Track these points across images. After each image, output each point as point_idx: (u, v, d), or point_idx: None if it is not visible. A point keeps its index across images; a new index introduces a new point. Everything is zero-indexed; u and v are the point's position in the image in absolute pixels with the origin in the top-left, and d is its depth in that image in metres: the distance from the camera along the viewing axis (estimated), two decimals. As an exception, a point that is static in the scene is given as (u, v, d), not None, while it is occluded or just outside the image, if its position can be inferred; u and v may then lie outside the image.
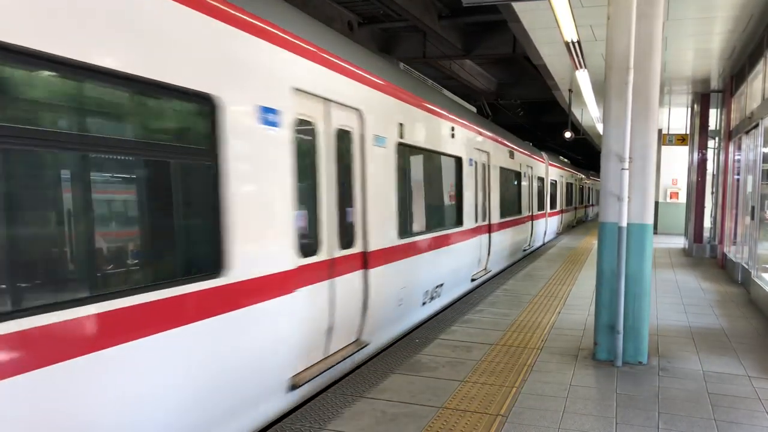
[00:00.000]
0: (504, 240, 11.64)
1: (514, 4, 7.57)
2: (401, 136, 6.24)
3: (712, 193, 13.87)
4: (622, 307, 5.28)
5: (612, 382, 4.85)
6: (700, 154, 14.13)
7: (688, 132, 16.19)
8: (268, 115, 4.01)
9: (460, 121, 8.56)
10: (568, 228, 23.58)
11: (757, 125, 8.76)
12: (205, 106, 3.44)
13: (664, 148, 17.93)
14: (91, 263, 2.84)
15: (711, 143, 14.17)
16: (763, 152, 8.50)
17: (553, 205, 18.61)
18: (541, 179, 16.15)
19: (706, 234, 14.14)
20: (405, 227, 6.42)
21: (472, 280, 9.42)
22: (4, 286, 2.44)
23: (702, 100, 13.77)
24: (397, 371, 5.06)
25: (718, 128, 13.60)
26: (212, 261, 3.50)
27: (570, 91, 13.69)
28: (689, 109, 15.93)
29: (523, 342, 6.03)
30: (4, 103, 2.43)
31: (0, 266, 2.42)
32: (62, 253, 2.74)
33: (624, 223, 5.23)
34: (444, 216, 8.06)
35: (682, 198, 18.98)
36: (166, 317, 3.12)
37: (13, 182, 2.49)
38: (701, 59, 10.39)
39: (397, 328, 6.35)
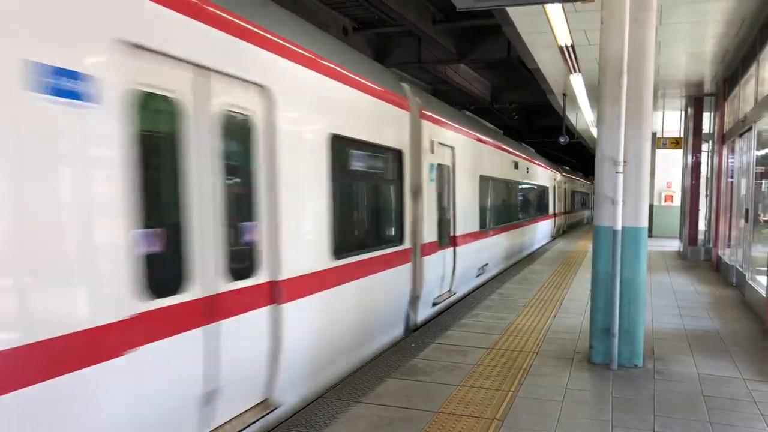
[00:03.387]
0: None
1: (509, 9, 7.59)
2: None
3: (707, 196, 13.93)
4: (617, 310, 5.29)
5: (608, 385, 4.86)
6: (694, 157, 14.20)
7: (682, 135, 16.27)
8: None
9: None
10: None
11: (750, 128, 8.81)
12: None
13: (658, 151, 17.99)
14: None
15: (705, 146, 14.24)
16: (757, 155, 8.54)
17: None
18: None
19: (701, 237, 14.19)
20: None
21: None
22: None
23: (695, 103, 13.85)
24: (393, 376, 5.06)
25: (711, 131, 13.67)
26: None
27: (564, 95, 13.74)
28: (683, 112, 16.01)
29: (519, 346, 6.03)
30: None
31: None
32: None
33: (618, 227, 5.25)
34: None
35: (677, 201, 19.06)
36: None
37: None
38: (694, 63, 10.45)
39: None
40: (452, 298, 8.45)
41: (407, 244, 6.62)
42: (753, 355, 5.79)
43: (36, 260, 2.46)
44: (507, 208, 12.48)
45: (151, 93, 3.11)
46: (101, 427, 2.78)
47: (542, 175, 17.93)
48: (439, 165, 7.80)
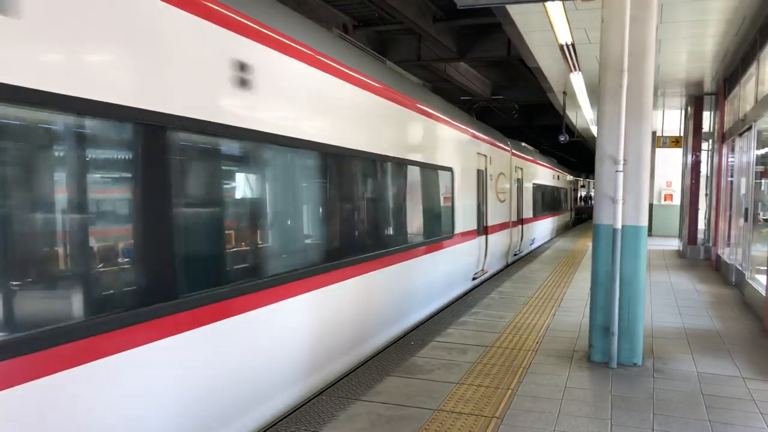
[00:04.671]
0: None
1: (509, 7, 7.58)
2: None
3: (706, 195, 13.94)
4: (616, 308, 5.29)
5: (607, 384, 4.86)
6: (693, 157, 14.19)
7: (682, 134, 16.27)
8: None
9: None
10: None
11: (750, 128, 8.81)
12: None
13: (658, 150, 18.02)
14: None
15: (705, 145, 14.24)
16: (756, 154, 8.54)
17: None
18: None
19: (700, 236, 14.20)
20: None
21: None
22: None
23: (695, 102, 13.84)
24: (393, 374, 5.06)
25: (711, 130, 13.68)
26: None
27: (564, 93, 13.74)
28: (683, 111, 16.01)
29: (519, 344, 6.03)
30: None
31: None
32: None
33: (618, 225, 5.25)
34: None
35: (677, 200, 19.05)
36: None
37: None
38: (694, 62, 10.44)
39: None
40: None
41: None
42: (752, 354, 5.79)
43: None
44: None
45: None
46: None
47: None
48: None
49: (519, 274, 10.92)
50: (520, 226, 14.11)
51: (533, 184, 16.34)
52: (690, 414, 4.25)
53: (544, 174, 18.59)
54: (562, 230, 24.09)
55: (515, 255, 13.61)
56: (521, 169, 14.39)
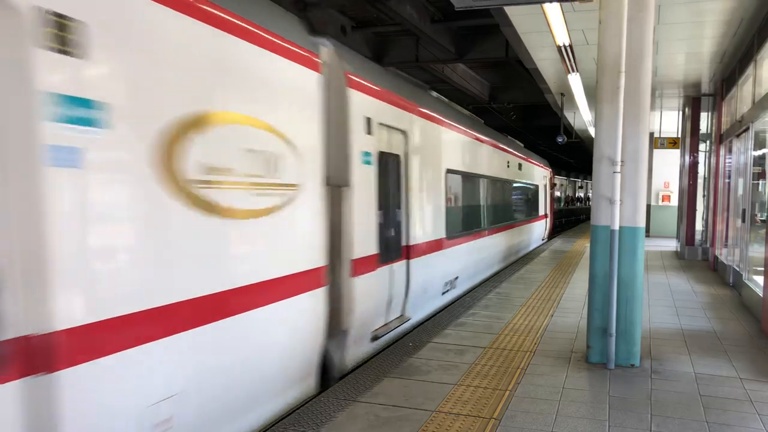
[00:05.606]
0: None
1: (507, 8, 7.59)
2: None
3: (704, 196, 13.96)
4: (614, 310, 5.29)
5: (605, 385, 4.86)
6: (691, 158, 14.22)
7: (679, 135, 16.29)
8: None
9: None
10: None
11: (747, 129, 8.83)
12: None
13: (655, 151, 18.04)
14: None
15: (702, 146, 14.27)
16: (754, 155, 8.56)
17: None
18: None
19: (698, 237, 14.22)
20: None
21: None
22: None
23: (693, 103, 13.86)
24: (391, 375, 5.06)
25: (709, 131, 13.70)
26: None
27: (562, 94, 13.75)
28: (680, 112, 16.04)
29: (516, 345, 6.03)
30: None
31: None
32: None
33: (616, 226, 5.26)
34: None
35: (674, 201, 19.08)
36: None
37: None
38: (692, 63, 10.46)
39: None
40: None
41: None
42: (750, 355, 5.80)
43: None
44: None
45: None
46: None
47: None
48: None
49: (517, 275, 10.93)
50: (401, 263, 6.79)
51: (449, 170, 8.70)
52: (687, 415, 4.26)
53: (477, 153, 10.45)
54: (531, 246, 16.70)
55: (375, 337, 6.14)
56: (403, 133, 6.88)
